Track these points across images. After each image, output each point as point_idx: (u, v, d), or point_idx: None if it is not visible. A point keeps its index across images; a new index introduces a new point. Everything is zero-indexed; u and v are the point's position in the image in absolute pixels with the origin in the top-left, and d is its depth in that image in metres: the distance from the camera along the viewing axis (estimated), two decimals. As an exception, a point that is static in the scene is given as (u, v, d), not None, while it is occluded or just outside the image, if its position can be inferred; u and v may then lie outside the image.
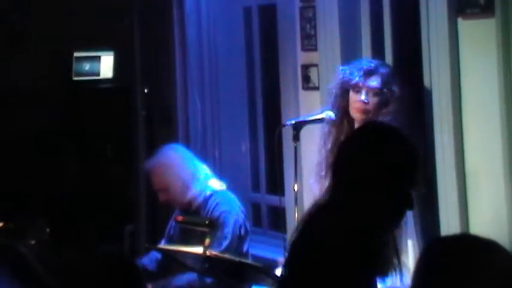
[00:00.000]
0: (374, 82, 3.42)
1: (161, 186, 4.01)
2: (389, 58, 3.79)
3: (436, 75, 3.43)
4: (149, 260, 4.06)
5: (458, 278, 1.58)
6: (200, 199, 3.95)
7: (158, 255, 4.05)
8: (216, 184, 4.02)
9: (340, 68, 3.60)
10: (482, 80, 3.27)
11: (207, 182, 3.99)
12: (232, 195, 4.03)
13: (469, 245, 1.63)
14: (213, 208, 3.91)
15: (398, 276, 3.34)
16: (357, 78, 3.43)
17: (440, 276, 1.59)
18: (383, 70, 3.44)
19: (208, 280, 3.62)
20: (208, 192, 3.96)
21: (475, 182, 3.31)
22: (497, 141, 3.20)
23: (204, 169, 4.03)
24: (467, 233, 1.64)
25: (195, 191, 3.95)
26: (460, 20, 3.33)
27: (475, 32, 3.29)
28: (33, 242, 3.69)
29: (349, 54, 3.86)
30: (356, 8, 3.92)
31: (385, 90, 3.40)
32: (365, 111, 3.42)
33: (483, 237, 1.65)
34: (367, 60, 3.58)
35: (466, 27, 3.32)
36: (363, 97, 3.42)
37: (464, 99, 3.35)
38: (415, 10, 3.59)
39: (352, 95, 3.45)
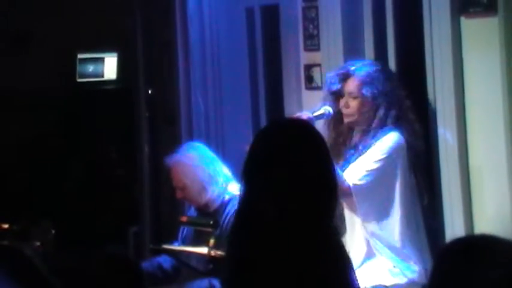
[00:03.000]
0: (349, 86, 3.53)
1: (178, 184, 3.98)
2: (391, 58, 3.80)
3: (439, 74, 3.44)
4: (164, 259, 4.05)
5: (478, 279, 1.57)
6: (218, 202, 3.92)
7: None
8: (235, 188, 3.99)
9: (327, 74, 3.67)
10: (486, 78, 3.28)
11: (226, 186, 3.95)
12: None
13: (488, 246, 1.61)
14: (232, 214, 3.88)
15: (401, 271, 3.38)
16: (335, 86, 3.56)
17: (460, 277, 1.58)
18: (359, 72, 3.51)
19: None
20: (226, 197, 3.92)
21: (479, 178, 3.32)
22: (501, 138, 3.21)
23: (224, 172, 3.99)
24: (486, 234, 1.62)
25: (212, 194, 3.91)
26: (462, 19, 3.34)
27: (478, 30, 3.30)
28: (37, 243, 3.69)
29: (352, 54, 3.86)
30: (359, 7, 3.92)
31: (357, 93, 3.49)
32: (349, 115, 3.52)
33: (502, 238, 1.64)
34: (350, 62, 3.64)
35: (469, 25, 3.32)
36: (343, 103, 3.52)
37: (467, 97, 3.36)
38: (418, 9, 3.59)
39: (340, 100, 3.57)
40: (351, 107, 3.51)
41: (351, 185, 3.40)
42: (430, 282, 1.64)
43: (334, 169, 2.19)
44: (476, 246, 1.62)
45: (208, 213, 3.92)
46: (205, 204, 3.93)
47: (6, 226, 3.71)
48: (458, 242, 1.69)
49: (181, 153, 4.02)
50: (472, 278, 1.57)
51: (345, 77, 3.54)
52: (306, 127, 2.26)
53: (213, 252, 3.38)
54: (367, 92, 3.47)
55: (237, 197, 3.93)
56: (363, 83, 3.49)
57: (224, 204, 3.92)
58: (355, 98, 3.50)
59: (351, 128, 3.58)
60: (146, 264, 3.94)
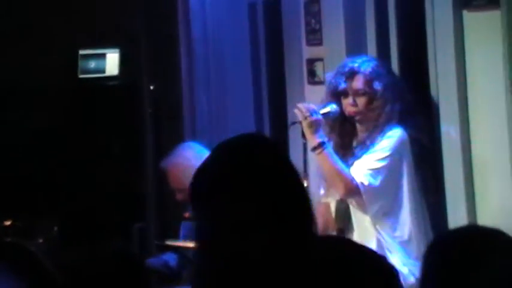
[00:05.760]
0: (357, 83, 3.48)
1: (178, 186, 3.98)
2: (394, 52, 3.80)
3: (441, 68, 3.43)
4: (169, 256, 4.06)
5: (466, 270, 1.58)
6: None
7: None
8: None
9: (326, 75, 3.64)
10: (488, 72, 3.27)
11: None
12: None
13: (474, 237, 1.63)
14: None
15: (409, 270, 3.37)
16: (342, 85, 3.50)
17: (449, 270, 1.60)
18: (365, 68, 3.47)
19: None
20: None
21: (482, 172, 3.32)
22: (504, 132, 3.20)
23: None
24: (472, 225, 1.62)
25: None
26: (465, 12, 3.33)
27: (481, 24, 3.29)
28: (41, 240, 3.70)
29: (355, 48, 3.86)
30: (361, 1, 3.92)
31: (367, 89, 3.45)
32: (356, 113, 3.50)
33: (488, 226, 1.66)
34: (351, 60, 3.58)
35: (471, 19, 3.32)
36: (350, 101, 3.48)
37: (470, 91, 3.35)
38: (420, 3, 3.59)
39: (343, 100, 3.53)
40: (359, 104, 3.47)
41: (359, 183, 3.39)
42: (421, 276, 1.65)
43: (299, 183, 1.81)
44: (462, 239, 1.64)
45: None
46: None
47: (9, 223, 3.71)
48: (449, 235, 1.70)
49: (177, 154, 4.03)
50: (464, 274, 1.59)
51: (349, 75, 3.49)
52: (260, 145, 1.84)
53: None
54: (378, 86, 3.43)
55: None
56: (372, 79, 3.45)
57: None
58: (363, 94, 3.46)
59: (354, 127, 3.56)
60: (153, 261, 3.95)
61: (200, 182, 1.78)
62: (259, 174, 1.75)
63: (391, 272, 1.56)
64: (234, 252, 1.70)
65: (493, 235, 1.64)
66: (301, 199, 1.78)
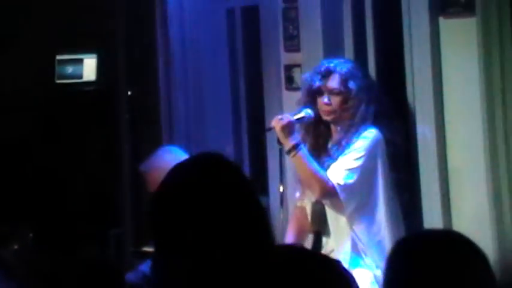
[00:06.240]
0: (332, 82, 3.50)
1: None
2: (371, 58, 3.82)
3: (418, 74, 3.46)
4: (147, 266, 4.04)
5: (428, 275, 1.61)
6: None
7: None
8: None
9: (303, 76, 3.66)
10: (464, 78, 3.30)
11: None
12: None
13: (437, 242, 1.67)
14: None
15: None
16: (317, 83, 3.53)
17: (410, 274, 1.62)
18: (341, 68, 3.50)
19: None
20: None
21: (458, 177, 3.34)
22: (479, 138, 3.23)
23: None
24: (434, 229, 1.68)
25: None
26: (441, 19, 3.36)
27: (457, 30, 3.32)
28: (15, 247, 3.67)
29: (332, 54, 3.87)
30: (338, 8, 3.93)
31: (342, 88, 3.47)
32: (330, 112, 3.51)
33: (450, 230, 1.68)
34: (327, 60, 3.63)
35: (448, 26, 3.35)
36: (325, 100, 3.50)
37: (446, 96, 3.38)
38: (397, 9, 3.61)
39: (318, 99, 3.55)
40: (333, 103, 3.49)
41: (335, 184, 3.40)
42: (385, 279, 1.67)
43: (253, 202, 1.81)
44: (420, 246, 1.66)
45: None
46: None
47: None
48: (411, 240, 1.73)
49: (157, 158, 4.02)
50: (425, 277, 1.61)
51: (325, 74, 3.52)
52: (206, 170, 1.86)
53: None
54: (352, 86, 3.46)
55: None
56: (347, 78, 3.48)
57: None
58: (337, 94, 3.49)
59: (328, 128, 3.58)
60: (131, 276, 3.93)
61: (156, 203, 1.85)
62: (211, 195, 1.79)
63: (348, 282, 1.58)
64: (178, 272, 1.74)
65: (453, 240, 1.67)
66: (256, 218, 1.79)
